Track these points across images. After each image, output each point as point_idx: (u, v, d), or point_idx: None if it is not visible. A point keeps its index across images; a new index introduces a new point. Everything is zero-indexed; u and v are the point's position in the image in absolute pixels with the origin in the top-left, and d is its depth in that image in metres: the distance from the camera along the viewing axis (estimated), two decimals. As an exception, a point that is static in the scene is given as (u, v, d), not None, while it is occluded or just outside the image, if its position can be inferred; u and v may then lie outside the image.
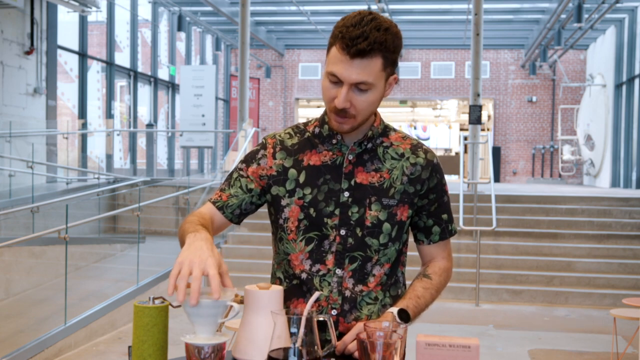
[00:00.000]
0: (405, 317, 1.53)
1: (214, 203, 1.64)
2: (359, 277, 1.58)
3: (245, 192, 1.63)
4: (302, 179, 1.60)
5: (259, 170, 1.63)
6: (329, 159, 1.61)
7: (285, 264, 1.63)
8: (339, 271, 1.57)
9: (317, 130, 1.64)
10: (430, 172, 1.62)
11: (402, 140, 1.65)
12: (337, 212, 1.57)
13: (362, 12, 1.47)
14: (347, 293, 1.58)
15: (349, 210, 1.57)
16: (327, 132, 1.61)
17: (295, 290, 1.61)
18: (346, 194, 1.58)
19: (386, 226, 1.58)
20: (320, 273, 1.58)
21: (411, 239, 1.70)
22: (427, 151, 1.65)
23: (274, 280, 1.68)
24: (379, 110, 1.66)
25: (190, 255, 1.35)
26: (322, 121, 1.63)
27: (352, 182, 1.59)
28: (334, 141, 1.61)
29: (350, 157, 1.60)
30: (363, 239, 1.57)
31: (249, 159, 1.66)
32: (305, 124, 1.69)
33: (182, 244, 1.49)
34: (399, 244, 1.62)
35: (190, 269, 1.32)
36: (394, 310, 1.53)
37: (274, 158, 1.63)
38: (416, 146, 1.65)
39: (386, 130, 1.66)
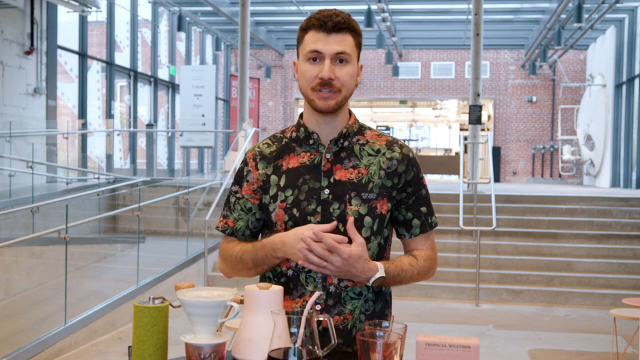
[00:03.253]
0: (378, 283, 1.58)
1: (224, 231, 1.73)
2: None
3: (247, 212, 1.71)
4: (282, 182, 1.66)
5: (250, 187, 1.70)
6: (307, 160, 1.67)
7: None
8: None
9: (294, 135, 1.72)
10: (406, 166, 1.68)
11: (378, 138, 1.72)
12: (319, 209, 1.62)
13: None
14: (332, 289, 1.61)
15: (330, 206, 1.62)
16: (304, 134, 1.69)
17: (283, 287, 1.64)
18: (326, 191, 1.63)
19: (367, 220, 1.62)
20: (306, 269, 1.61)
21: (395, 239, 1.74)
22: (402, 146, 1.71)
23: (264, 279, 1.73)
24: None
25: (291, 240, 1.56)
26: (298, 125, 1.71)
27: (332, 180, 1.64)
28: (311, 141, 1.68)
29: (328, 155, 1.66)
30: (346, 234, 1.59)
31: (239, 180, 1.73)
32: (283, 132, 1.76)
33: (257, 259, 1.65)
34: (380, 237, 1.66)
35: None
36: (378, 274, 1.55)
37: (257, 169, 1.70)
38: (391, 142, 1.71)
39: (362, 129, 1.73)
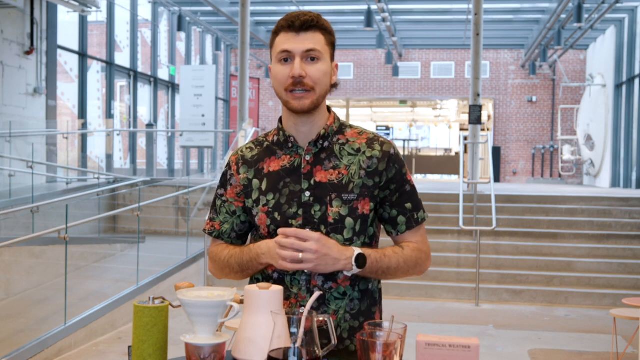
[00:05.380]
0: (361, 262, 1.55)
1: (211, 234, 1.74)
2: (328, 274, 1.59)
3: (232, 215, 1.71)
4: (264, 186, 1.66)
5: (234, 190, 1.70)
6: (287, 163, 1.66)
7: None
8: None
9: (275, 138, 1.71)
10: (387, 163, 1.65)
11: (358, 136, 1.69)
12: (300, 212, 1.61)
13: None
14: (316, 290, 1.60)
15: (311, 209, 1.62)
16: (284, 138, 1.68)
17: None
18: (307, 193, 1.62)
19: (349, 221, 1.61)
20: (290, 273, 1.61)
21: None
22: (383, 143, 1.68)
23: (252, 282, 1.72)
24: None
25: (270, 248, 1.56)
26: (279, 129, 1.70)
27: (312, 182, 1.63)
28: (290, 144, 1.66)
29: (307, 157, 1.65)
30: (327, 236, 1.58)
31: (223, 183, 1.73)
32: (266, 135, 1.75)
33: (243, 264, 1.65)
34: (364, 237, 1.65)
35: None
36: (356, 250, 1.56)
37: (239, 174, 1.70)
38: (372, 140, 1.69)
39: (342, 127, 1.70)
